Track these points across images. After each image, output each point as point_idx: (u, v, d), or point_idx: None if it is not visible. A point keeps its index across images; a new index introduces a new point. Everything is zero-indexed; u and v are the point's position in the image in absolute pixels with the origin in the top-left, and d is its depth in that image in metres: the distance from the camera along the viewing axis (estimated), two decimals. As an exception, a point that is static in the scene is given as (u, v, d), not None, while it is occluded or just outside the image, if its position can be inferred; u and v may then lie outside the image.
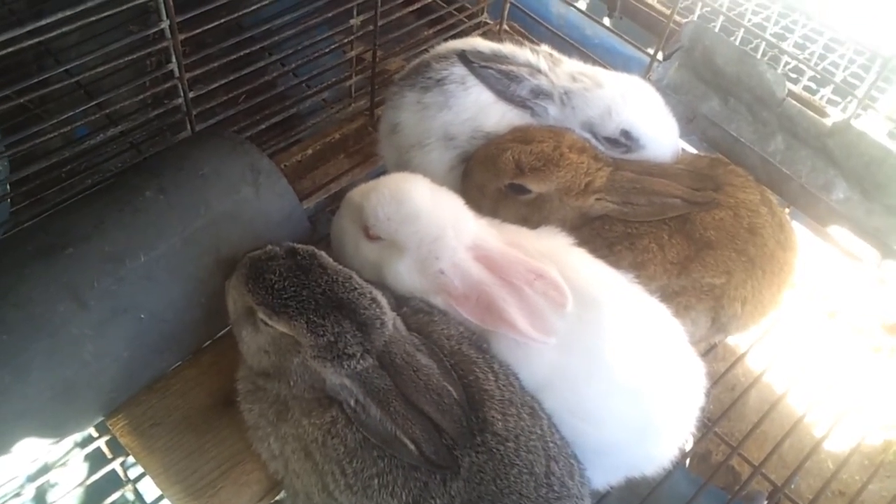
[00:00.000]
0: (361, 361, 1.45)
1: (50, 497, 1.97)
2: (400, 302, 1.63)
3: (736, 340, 2.32)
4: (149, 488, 1.76)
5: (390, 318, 1.52)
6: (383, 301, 1.53)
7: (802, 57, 2.87)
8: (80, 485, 1.83)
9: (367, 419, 1.44)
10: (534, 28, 2.94)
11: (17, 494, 1.79)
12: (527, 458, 1.47)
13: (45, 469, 1.85)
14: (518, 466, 1.45)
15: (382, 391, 1.44)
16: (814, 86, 3.12)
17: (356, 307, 1.48)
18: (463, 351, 1.56)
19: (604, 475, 1.74)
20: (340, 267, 1.56)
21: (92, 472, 1.85)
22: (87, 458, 1.93)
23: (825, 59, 3.27)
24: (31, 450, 1.58)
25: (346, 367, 1.44)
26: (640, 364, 1.62)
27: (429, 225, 1.65)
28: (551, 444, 1.53)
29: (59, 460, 1.87)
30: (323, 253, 1.57)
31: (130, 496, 1.84)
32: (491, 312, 1.58)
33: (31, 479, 1.83)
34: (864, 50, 3.19)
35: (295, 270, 1.51)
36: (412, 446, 1.41)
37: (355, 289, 1.51)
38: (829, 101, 2.99)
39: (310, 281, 1.50)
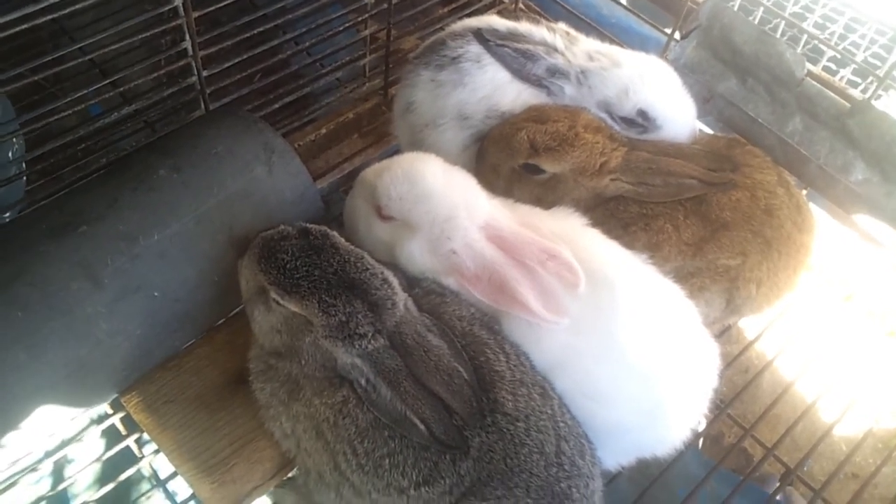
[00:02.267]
0: (372, 341, 1.45)
1: (67, 472, 2.00)
2: (412, 283, 1.63)
3: (750, 323, 2.31)
4: (163, 465, 1.77)
5: (402, 298, 1.52)
6: (395, 281, 1.53)
7: (823, 36, 2.83)
8: (97, 460, 1.85)
9: (378, 399, 1.45)
10: (550, 7, 2.91)
11: (34, 469, 1.81)
12: (537, 437, 1.47)
13: (62, 445, 1.87)
14: (528, 446, 1.46)
15: (393, 371, 1.44)
16: (834, 66, 3.08)
17: (368, 287, 1.48)
18: (474, 332, 1.56)
19: (615, 456, 1.74)
20: (352, 247, 1.56)
21: (108, 448, 1.87)
22: (104, 434, 1.95)
23: (846, 39, 3.23)
24: (46, 426, 1.60)
25: (357, 346, 1.45)
26: (652, 345, 1.61)
27: (441, 205, 1.64)
28: (562, 424, 1.53)
29: (75, 436, 1.89)
30: (335, 233, 1.57)
31: (146, 472, 1.86)
32: (503, 293, 1.58)
33: (49, 454, 1.85)
34: (886, 30, 3.15)
35: (307, 250, 1.51)
36: (422, 426, 1.42)
37: (367, 269, 1.51)
38: (850, 82, 2.95)
39: (322, 261, 1.50)
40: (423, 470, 1.44)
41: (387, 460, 1.46)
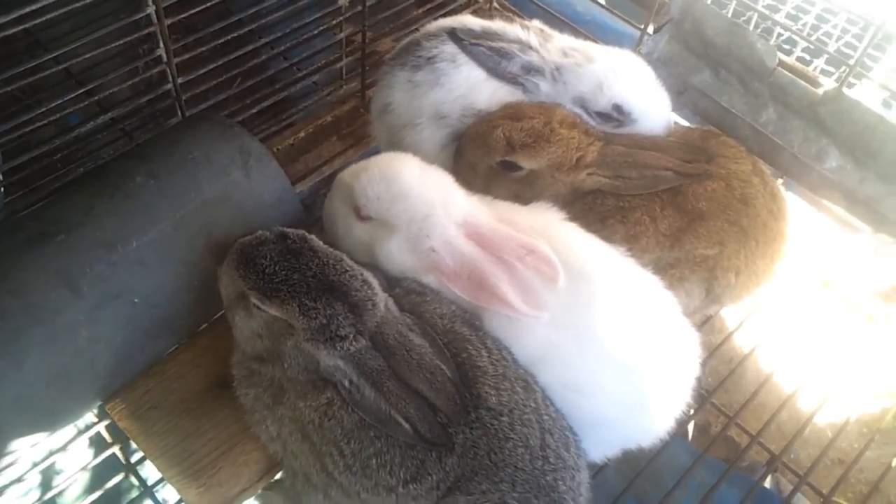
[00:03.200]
0: (354, 343, 1.46)
1: (55, 482, 1.99)
2: (392, 283, 1.64)
3: (731, 312, 2.33)
4: (150, 472, 1.77)
5: (382, 299, 1.52)
6: (375, 282, 1.53)
7: (795, 28, 2.86)
8: (84, 469, 1.84)
9: (362, 400, 1.45)
10: (524, 6, 2.92)
11: (20, 480, 1.81)
12: (521, 431, 1.48)
13: (49, 455, 1.86)
14: (513, 440, 1.47)
15: (376, 371, 1.45)
16: (807, 57, 3.11)
17: (348, 289, 1.49)
18: (455, 329, 1.57)
19: (600, 448, 1.75)
20: (331, 250, 1.56)
21: (95, 456, 1.86)
22: (91, 442, 1.94)
23: (818, 30, 3.26)
24: (30, 435, 1.59)
25: (339, 348, 1.45)
26: (633, 337, 1.62)
27: (419, 203, 1.65)
28: (546, 417, 1.54)
29: (62, 446, 1.88)
30: (313, 236, 1.57)
31: (133, 480, 1.86)
32: (482, 289, 1.58)
33: (36, 464, 1.85)
34: (856, 19, 3.18)
35: (286, 254, 1.51)
36: (407, 425, 1.42)
37: (346, 271, 1.51)
38: (823, 72, 2.98)
39: (301, 264, 1.50)
40: (411, 468, 1.45)
41: (374, 460, 1.46)
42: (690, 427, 2.51)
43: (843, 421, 2.11)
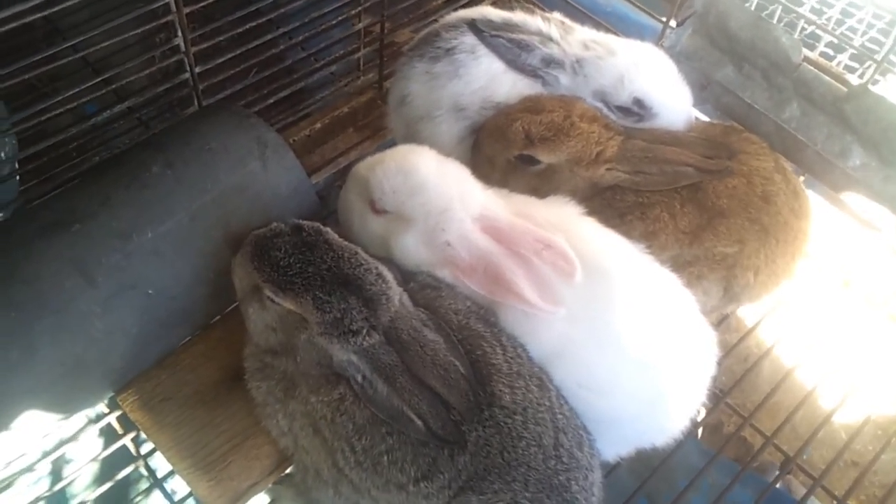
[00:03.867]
0: (367, 337, 1.45)
1: (65, 472, 2.00)
2: (407, 277, 1.62)
3: (748, 311, 2.30)
4: (160, 463, 1.77)
5: (396, 293, 1.51)
6: (389, 276, 1.52)
7: (820, 22, 2.81)
8: (94, 460, 1.85)
9: (374, 395, 1.44)
10: (545, -4, 2.89)
11: (32, 469, 1.81)
12: (535, 430, 1.47)
13: (59, 444, 1.87)
14: (526, 439, 1.45)
15: (389, 367, 1.44)
16: (831, 52, 3.06)
17: (362, 283, 1.47)
18: (470, 325, 1.55)
19: (614, 446, 1.74)
20: (346, 243, 1.55)
21: (104, 447, 1.87)
22: (101, 433, 1.95)
23: (843, 25, 3.21)
24: (42, 425, 1.59)
25: (352, 343, 1.44)
26: (650, 335, 1.61)
27: (435, 197, 1.64)
28: (560, 416, 1.52)
29: (72, 436, 1.88)
30: (328, 229, 1.56)
31: (143, 471, 1.86)
32: (498, 284, 1.57)
33: (46, 454, 1.85)
34: (882, 13, 3.12)
35: (300, 247, 1.50)
36: (419, 422, 1.41)
37: (361, 265, 1.50)
38: (847, 68, 2.93)
39: (315, 257, 1.49)
40: (422, 466, 1.44)
41: (385, 457, 1.45)
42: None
43: (858, 422, 2.09)
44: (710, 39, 2.31)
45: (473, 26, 2.04)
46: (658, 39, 2.46)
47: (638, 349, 1.59)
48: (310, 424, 1.51)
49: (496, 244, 1.60)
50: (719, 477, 2.02)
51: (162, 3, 1.86)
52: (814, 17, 2.83)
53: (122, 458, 1.84)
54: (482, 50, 2.03)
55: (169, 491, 1.83)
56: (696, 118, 2.14)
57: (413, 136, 2.11)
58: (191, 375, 1.75)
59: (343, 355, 1.45)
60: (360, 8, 2.45)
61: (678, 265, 1.84)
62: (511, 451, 1.44)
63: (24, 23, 1.62)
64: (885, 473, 2.31)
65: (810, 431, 2.01)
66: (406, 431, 1.43)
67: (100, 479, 1.92)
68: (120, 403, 1.71)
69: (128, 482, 2.02)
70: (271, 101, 2.38)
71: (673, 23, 2.41)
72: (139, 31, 1.92)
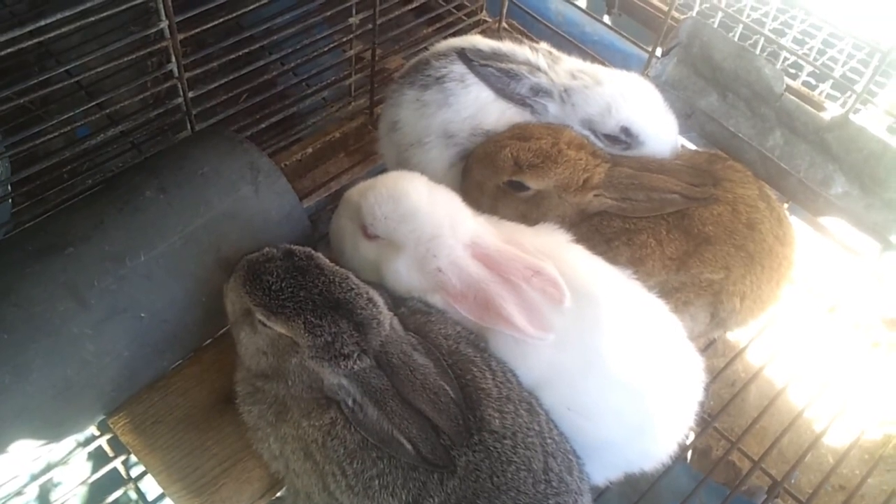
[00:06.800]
0: (358, 361, 1.46)
1: (53, 496, 1.98)
2: (397, 302, 1.64)
3: (735, 336, 2.32)
4: (150, 487, 1.77)
5: (387, 317, 1.52)
6: (380, 301, 1.53)
7: (801, 52, 2.87)
8: (83, 483, 1.84)
9: (365, 419, 1.45)
10: (533, 26, 2.94)
11: (20, 493, 1.80)
12: (524, 454, 1.47)
13: (48, 468, 1.86)
14: (515, 463, 1.46)
15: (379, 391, 1.45)
16: (813, 81, 3.12)
17: (353, 307, 1.49)
18: (461, 350, 1.57)
19: (603, 471, 1.74)
20: (337, 267, 1.56)
21: (94, 470, 1.86)
22: (90, 456, 1.93)
23: (824, 55, 3.27)
24: (32, 448, 1.59)
25: (343, 367, 1.45)
26: (637, 360, 1.62)
27: (426, 223, 1.65)
28: (549, 441, 1.53)
29: (61, 459, 1.87)
30: (320, 254, 1.58)
31: (133, 494, 1.85)
32: (489, 310, 1.58)
33: (34, 477, 1.84)
34: (863, 45, 3.19)
35: (292, 271, 1.52)
36: (409, 446, 1.42)
37: (352, 289, 1.51)
38: (829, 97, 3.00)
39: (307, 282, 1.50)
40: (413, 490, 1.44)
41: (376, 481, 1.45)
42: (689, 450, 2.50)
43: (844, 447, 2.10)
44: (695, 69, 2.35)
45: (463, 55, 2.08)
46: (644, 69, 2.51)
47: (626, 374, 1.61)
48: (301, 448, 1.52)
49: (487, 270, 1.62)
50: (708, 501, 2.03)
51: (156, 29, 1.89)
52: (796, 48, 2.89)
53: (112, 481, 1.83)
54: (471, 79, 2.06)
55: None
56: (682, 146, 2.17)
57: (404, 162, 2.13)
58: (182, 398, 1.76)
59: (334, 379, 1.46)
60: (351, 35, 2.48)
61: (665, 291, 1.86)
62: (500, 475, 1.44)
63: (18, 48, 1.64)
64: (872, 497, 2.32)
65: (797, 455, 2.02)
66: (397, 455, 1.43)
67: (89, 503, 1.90)
68: (111, 426, 1.71)
69: (117, 505, 2.01)
70: (263, 125, 2.40)
71: (658, 52, 2.46)
72: (134, 56, 1.93)
